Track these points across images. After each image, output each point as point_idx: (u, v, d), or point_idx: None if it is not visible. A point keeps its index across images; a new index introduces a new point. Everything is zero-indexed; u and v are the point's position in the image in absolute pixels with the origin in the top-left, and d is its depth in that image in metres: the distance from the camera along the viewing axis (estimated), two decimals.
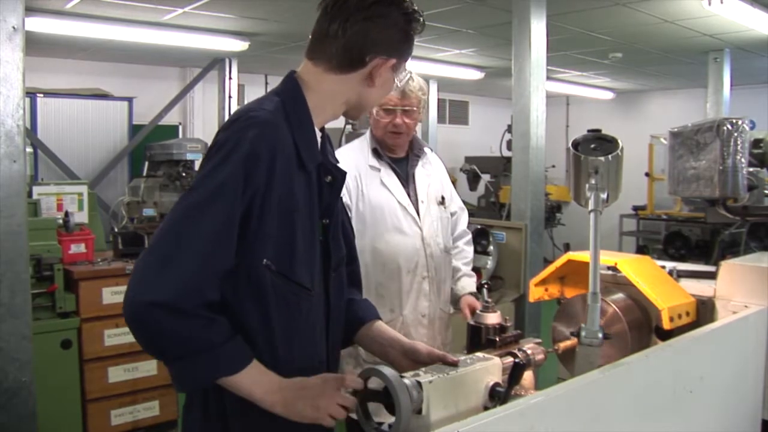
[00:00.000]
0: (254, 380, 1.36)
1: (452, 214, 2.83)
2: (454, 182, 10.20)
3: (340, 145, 6.55)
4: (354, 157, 2.62)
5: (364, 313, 1.72)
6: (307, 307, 1.49)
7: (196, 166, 6.93)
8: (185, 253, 1.31)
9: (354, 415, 1.39)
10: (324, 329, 1.57)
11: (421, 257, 2.63)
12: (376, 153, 2.64)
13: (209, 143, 1.48)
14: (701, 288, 2.03)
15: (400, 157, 2.70)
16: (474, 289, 2.85)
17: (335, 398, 1.35)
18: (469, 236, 2.93)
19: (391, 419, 1.31)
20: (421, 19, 1.54)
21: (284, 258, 1.42)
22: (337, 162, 1.64)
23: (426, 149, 2.78)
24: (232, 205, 1.34)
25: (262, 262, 1.40)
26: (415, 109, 2.59)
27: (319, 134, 1.54)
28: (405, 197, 2.62)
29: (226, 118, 1.88)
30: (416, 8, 1.53)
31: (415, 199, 2.66)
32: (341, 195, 2.50)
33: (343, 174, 1.59)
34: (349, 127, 5.88)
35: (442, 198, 2.76)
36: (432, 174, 2.76)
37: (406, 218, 2.61)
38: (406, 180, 2.67)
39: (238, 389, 1.36)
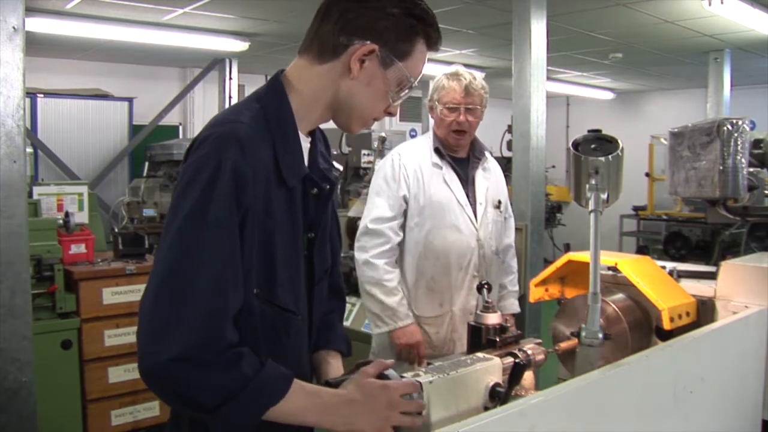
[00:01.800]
0: (303, 404, 1.25)
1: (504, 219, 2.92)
2: None
3: (340, 146, 6.57)
4: (417, 153, 2.74)
5: (329, 340, 1.61)
6: (295, 329, 1.42)
7: None
8: (197, 298, 1.19)
9: None
10: (307, 345, 1.52)
11: (475, 256, 2.71)
12: (439, 152, 2.73)
13: None
14: (701, 288, 2.02)
15: (461, 157, 2.78)
16: (518, 309, 2.96)
17: (400, 406, 1.27)
18: (514, 249, 3.01)
19: None
20: (422, 5, 1.40)
21: (266, 283, 1.33)
22: (331, 165, 1.53)
23: (487, 153, 2.86)
24: (232, 233, 1.24)
25: (253, 291, 1.30)
26: (478, 107, 2.71)
27: (307, 140, 1.43)
28: (464, 197, 2.71)
29: None
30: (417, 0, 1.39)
31: (474, 200, 2.74)
32: (401, 188, 2.61)
33: (333, 183, 1.47)
34: None
35: (499, 202, 2.84)
36: (491, 178, 2.84)
37: (463, 216, 2.69)
38: (467, 181, 2.75)
39: (289, 417, 1.25)
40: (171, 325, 1.18)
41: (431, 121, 2.84)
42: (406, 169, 2.69)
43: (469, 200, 2.73)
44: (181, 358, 1.16)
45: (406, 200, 2.68)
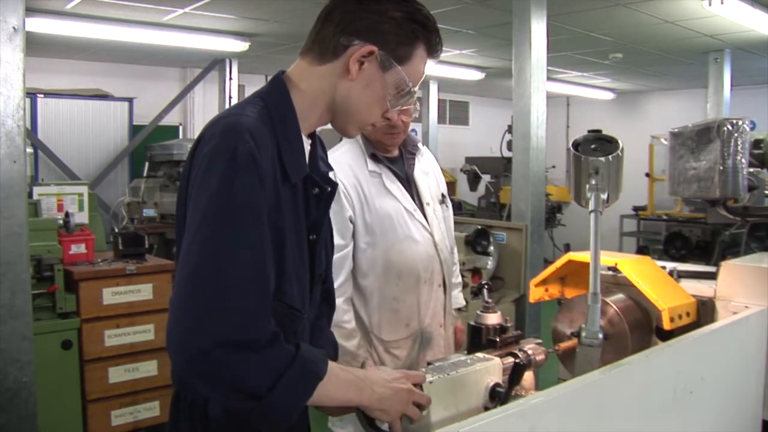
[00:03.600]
0: (345, 378, 1.27)
1: None
2: (454, 182, 10.11)
3: None
4: (351, 164, 2.44)
5: (318, 345, 1.56)
6: (301, 329, 1.42)
7: None
8: (239, 280, 1.17)
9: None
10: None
11: (436, 264, 2.49)
12: (374, 157, 2.46)
13: None
14: (701, 288, 2.02)
15: (394, 156, 2.53)
16: (462, 302, 2.77)
17: (415, 396, 1.30)
18: (454, 239, 2.76)
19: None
20: (424, 11, 1.39)
21: (277, 280, 1.30)
22: (330, 170, 1.52)
23: (419, 145, 2.62)
24: (261, 214, 1.23)
25: None
26: (411, 107, 2.41)
27: (308, 142, 1.43)
28: (410, 202, 2.46)
29: None
30: (419, 6, 1.39)
31: (420, 202, 2.51)
32: (345, 209, 2.39)
33: (334, 185, 1.48)
34: None
35: (443, 196, 2.64)
36: (429, 172, 2.62)
37: (415, 225, 2.45)
38: (408, 182, 2.51)
39: (332, 394, 1.24)
40: (213, 309, 1.14)
41: None
42: (345, 186, 2.38)
43: (415, 203, 2.48)
44: (229, 342, 1.13)
45: (352, 221, 2.39)
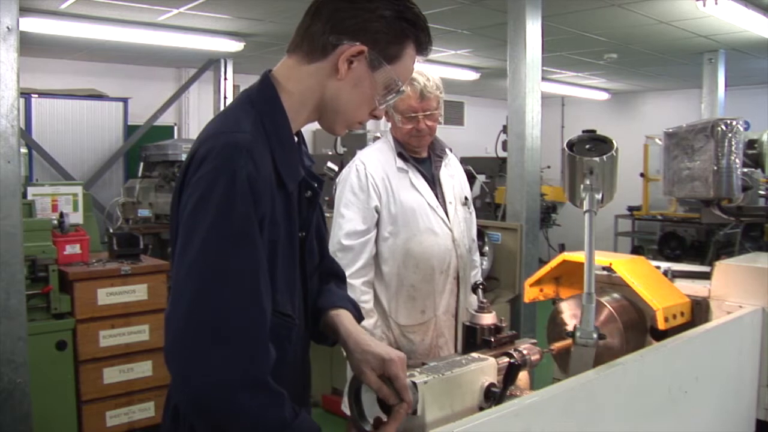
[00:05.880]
0: None
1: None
2: None
3: (335, 146, 6.56)
4: (381, 159, 2.64)
5: (330, 299, 1.56)
6: (295, 336, 1.42)
7: None
8: (239, 315, 1.18)
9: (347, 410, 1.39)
10: (307, 343, 1.52)
11: (453, 258, 2.65)
12: (402, 156, 2.65)
13: None
14: (696, 288, 2.03)
15: (423, 157, 2.71)
16: None
17: None
18: (476, 244, 2.93)
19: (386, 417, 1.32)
20: (415, 9, 1.37)
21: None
22: (312, 163, 1.50)
23: (447, 150, 2.80)
24: (257, 244, 1.22)
25: None
26: (435, 111, 2.59)
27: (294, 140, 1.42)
28: (434, 199, 2.65)
29: None
30: (410, 4, 1.38)
31: (443, 200, 2.68)
32: (372, 199, 2.55)
33: (321, 182, 1.47)
34: None
35: (466, 198, 2.80)
36: (455, 175, 2.79)
37: (436, 219, 2.63)
38: (433, 181, 2.69)
39: None
40: (216, 346, 1.15)
41: (388, 124, 2.73)
42: (373, 179, 2.58)
43: (438, 201, 2.66)
44: (230, 382, 1.15)
45: (377, 211, 2.57)
